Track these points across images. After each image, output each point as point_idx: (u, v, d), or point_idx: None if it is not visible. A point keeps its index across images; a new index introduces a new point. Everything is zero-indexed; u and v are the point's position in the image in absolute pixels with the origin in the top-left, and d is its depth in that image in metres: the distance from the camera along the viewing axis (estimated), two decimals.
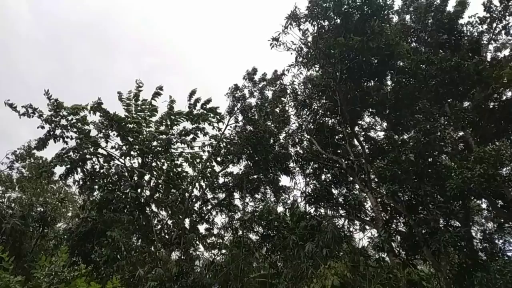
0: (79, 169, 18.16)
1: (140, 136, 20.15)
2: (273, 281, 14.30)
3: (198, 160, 21.52)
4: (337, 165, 18.23)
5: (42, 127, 17.68)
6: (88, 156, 18.74)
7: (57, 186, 21.09)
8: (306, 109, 21.00)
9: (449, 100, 16.86)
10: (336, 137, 20.19)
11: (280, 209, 18.75)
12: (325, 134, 19.52)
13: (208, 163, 20.87)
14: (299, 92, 21.48)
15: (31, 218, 14.13)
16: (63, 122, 18.72)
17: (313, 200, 16.75)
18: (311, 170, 19.15)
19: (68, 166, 17.87)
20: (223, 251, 17.46)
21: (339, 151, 19.55)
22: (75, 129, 18.64)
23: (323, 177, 18.84)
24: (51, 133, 18.19)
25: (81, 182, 18.15)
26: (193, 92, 20.95)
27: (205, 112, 21.31)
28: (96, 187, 18.03)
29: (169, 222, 19.01)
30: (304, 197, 17.13)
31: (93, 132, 19.25)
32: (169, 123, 20.79)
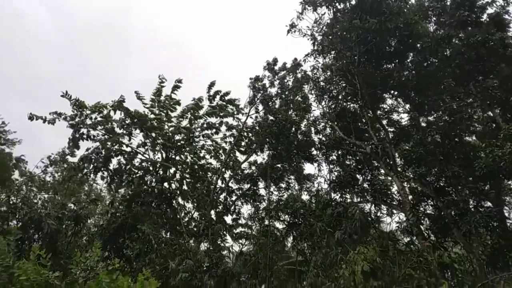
0: (104, 167, 18.71)
1: (162, 131, 20.47)
2: (302, 269, 14.39)
3: (221, 152, 21.74)
4: (361, 150, 18.02)
5: (72, 126, 18.15)
6: (112, 154, 19.19)
7: (87, 186, 21.77)
8: (326, 96, 20.78)
9: (475, 79, 16.32)
10: (359, 122, 19.93)
11: (305, 197, 18.75)
12: (347, 119, 19.29)
13: (231, 154, 21.03)
14: (318, 79, 21.26)
15: (65, 217, 14.65)
16: (88, 121, 19.27)
17: (338, 186, 16.66)
18: (335, 157, 19.01)
19: (94, 165, 18.39)
20: (251, 241, 17.65)
21: (362, 136, 19.32)
22: (100, 127, 19.10)
23: (347, 163, 18.67)
24: (78, 132, 18.70)
25: (108, 179, 18.67)
26: (212, 84, 21.02)
27: (224, 103, 21.42)
28: (124, 183, 18.51)
29: (196, 214, 19.33)
30: (329, 184, 17.06)
31: (116, 130, 19.76)
32: (191, 117, 21.02)
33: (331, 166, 18.46)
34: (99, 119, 19.19)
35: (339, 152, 18.94)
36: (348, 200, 16.44)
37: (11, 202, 14.67)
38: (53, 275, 7.78)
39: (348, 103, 20.77)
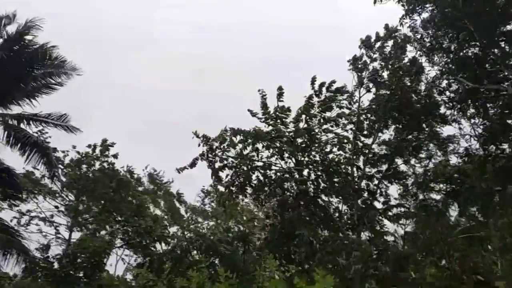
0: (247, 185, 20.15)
1: (283, 139, 21.26)
2: (479, 234, 13.47)
3: (345, 141, 21.64)
4: (503, 93, 16.22)
5: (209, 162, 20.12)
6: (250, 172, 20.58)
7: (240, 208, 23.82)
8: (437, 52, 19.28)
9: None
10: (485, 67, 17.99)
11: (454, 160, 17.54)
12: (471, 68, 17.58)
13: (356, 141, 20.83)
14: (422, 37, 19.85)
15: (233, 238, 16.26)
16: (218, 152, 21.08)
17: (489, 138, 15.23)
18: (473, 110, 17.44)
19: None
20: (411, 220, 17.16)
21: (496, 79, 17.36)
22: (231, 152, 20.67)
23: (490, 112, 16.96)
24: (213, 166, 20.56)
25: (253, 196, 20.08)
26: (314, 79, 21.20)
27: (332, 94, 21.37)
28: (267, 195, 19.69)
29: (344, 207, 19.54)
30: (477, 139, 15.71)
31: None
32: (306, 117, 21.43)
33: (472, 121, 16.97)
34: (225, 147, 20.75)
35: (477, 103, 17.32)
36: (509, 150, 14.89)
37: (186, 236, 16.82)
38: None
39: (465, 50, 18.92)
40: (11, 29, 19.71)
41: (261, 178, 20.85)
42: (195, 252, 16.01)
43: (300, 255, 16.04)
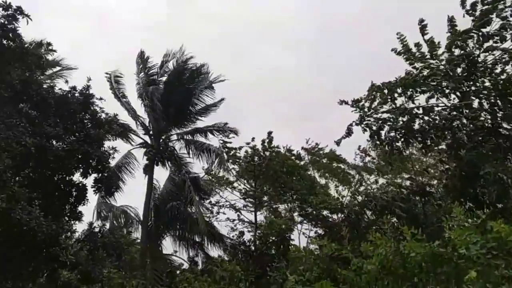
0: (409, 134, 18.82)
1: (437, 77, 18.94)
2: None
3: None
4: None
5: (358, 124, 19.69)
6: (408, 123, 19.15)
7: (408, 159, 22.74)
8: None
9: None
10: None
11: None
12: None
13: None
14: None
15: (411, 193, 15.56)
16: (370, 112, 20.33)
17: None
18: None
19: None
20: None
21: None
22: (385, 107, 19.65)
23: None
24: (364, 122, 19.95)
25: (419, 145, 18.65)
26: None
27: (489, 6, 17.85)
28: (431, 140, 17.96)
29: None
30: None
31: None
32: (461, 43, 18.58)
33: None
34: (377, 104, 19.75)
35: None
36: None
37: (359, 200, 16.90)
38: (434, 244, 8.14)
39: None
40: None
41: (424, 125, 19.23)
42: (370, 213, 15.99)
43: (490, 195, 14.16)
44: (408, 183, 16.31)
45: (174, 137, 26.99)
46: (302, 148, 29.73)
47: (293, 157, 28.02)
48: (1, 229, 10.03)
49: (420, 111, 19.21)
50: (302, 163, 28.62)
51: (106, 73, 26.07)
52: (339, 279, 9.15)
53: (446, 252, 7.10)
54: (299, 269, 11.03)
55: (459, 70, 18.71)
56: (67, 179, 15.95)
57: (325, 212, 20.98)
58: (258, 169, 27.01)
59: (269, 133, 27.78)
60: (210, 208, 29.20)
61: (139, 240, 25.69)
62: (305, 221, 26.47)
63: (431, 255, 7.31)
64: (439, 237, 10.00)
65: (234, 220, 28.57)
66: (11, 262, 10.43)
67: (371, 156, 25.73)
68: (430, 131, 18.57)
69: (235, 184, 29.97)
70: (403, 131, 18.99)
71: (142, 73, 26.98)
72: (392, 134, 19.14)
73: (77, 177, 16.59)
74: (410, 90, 18.79)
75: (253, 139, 27.77)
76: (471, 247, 6.50)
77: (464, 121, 18.21)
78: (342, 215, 15.48)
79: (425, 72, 18.81)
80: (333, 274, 9.68)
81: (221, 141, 26.57)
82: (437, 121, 18.91)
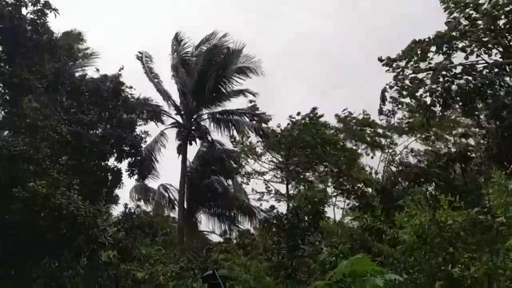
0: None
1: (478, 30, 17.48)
2: None
3: None
4: None
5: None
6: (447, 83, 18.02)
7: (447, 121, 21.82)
8: None
9: None
10: None
11: None
12: None
13: None
14: None
15: (446, 160, 14.82)
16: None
17: None
18: None
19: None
20: None
21: None
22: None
23: None
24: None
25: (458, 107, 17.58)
26: None
27: None
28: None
29: None
30: None
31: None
32: None
33: None
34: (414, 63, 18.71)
35: None
36: None
37: (393, 169, 16.27)
38: (473, 211, 7.71)
39: None
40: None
41: (464, 85, 18.01)
42: (406, 183, 15.42)
43: None
44: (446, 149, 15.50)
45: (205, 116, 27.21)
46: (336, 115, 29.81)
47: (329, 130, 28.14)
48: (43, 214, 10.55)
49: (458, 70, 18.04)
50: (332, 131, 28.61)
51: (139, 52, 26.33)
52: (373, 251, 8.96)
53: (485, 219, 6.75)
54: (332, 241, 10.95)
55: (501, 22, 17.23)
56: (102, 164, 16.50)
57: (358, 186, 20.76)
58: (289, 140, 27.25)
59: (314, 108, 28.27)
60: (243, 181, 29.96)
61: (176, 218, 26.56)
62: (339, 194, 26.46)
63: (470, 222, 7.00)
64: (479, 204, 9.51)
65: (263, 193, 29.53)
66: (54, 244, 11.03)
67: (396, 117, 25.73)
68: (470, 92, 17.39)
69: (265, 157, 31.02)
70: (441, 93, 17.94)
71: (175, 54, 27.09)
72: (431, 95, 18.13)
73: (112, 162, 17.16)
74: (447, 45, 17.54)
75: (298, 113, 28.41)
76: (511, 209, 6.19)
77: (507, 79, 16.96)
78: (377, 188, 15.10)
79: (464, 23, 17.47)
80: (367, 245, 9.49)
81: (255, 124, 26.59)
82: (477, 81, 17.69)
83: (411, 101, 18.55)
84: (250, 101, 27.23)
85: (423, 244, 7.10)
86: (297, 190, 27.75)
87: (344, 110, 29.80)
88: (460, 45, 17.30)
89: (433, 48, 17.55)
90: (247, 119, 26.73)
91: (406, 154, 26.37)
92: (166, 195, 26.81)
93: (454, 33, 17.34)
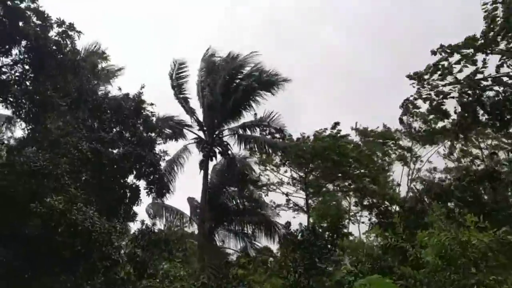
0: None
1: None
2: None
3: None
4: None
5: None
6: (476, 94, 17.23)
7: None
8: None
9: None
10: None
11: None
12: None
13: None
14: None
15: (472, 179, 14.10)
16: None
17: None
18: None
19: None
20: None
21: None
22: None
23: None
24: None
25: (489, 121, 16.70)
26: None
27: None
28: None
29: None
30: None
31: None
32: None
33: None
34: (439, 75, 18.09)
35: None
36: None
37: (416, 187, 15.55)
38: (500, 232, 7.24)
39: None
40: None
41: (495, 96, 17.09)
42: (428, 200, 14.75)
43: None
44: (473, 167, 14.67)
45: (226, 132, 27.22)
46: (352, 128, 29.68)
47: (350, 144, 27.80)
48: (60, 230, 10.61)
49: (488, 82, 17.19)
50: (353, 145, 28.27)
51: (173, 63, 26.67)
52: (395, 271, 8.49)
53: None
54: (352, 260, 10.48)
55: None
56: (121, 181, 16.60)
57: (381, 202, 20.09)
58: (311, 154, 27.05)
59: (336, 123, 28.40)
60: (262, 193, 29.89)
61: (196, 233, 26.45)
62: (360, 209, 26.00)
63: (497, 243, 6.55)
64: (509, 223, 8.85)
65: (281, 205, 29.45)
66: (69, 260, 11.03)
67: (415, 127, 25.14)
68: (501, 104, 16.44)
69: (283, 169, 31.17)
70: (472, 104, 17.09)
71: (203, 71, 27.48)
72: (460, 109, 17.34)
73: (131, 179, 17.27)
74: (476, 54, 16.75)
75: (325, 129, 28.66)
76: None
77: None
78: (401, 204, 14.40)
79: (497, 29, 16.62)
80: (388, 265, 9.00)
81: (276, 140, 26.48)
82: (508, 93, 16.78)
83: (436, 115, 17.80)
84: (272, 116, 27.12)
85: (447, 265, 6.67)
86: (316, 203, 27.53)
87: (356, 124, 30.48)
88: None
89: (457, 57, 16.94)
90: (268, 136, 26.61)
91: (430, 171, 25.63)
92: (185, 212, 26.81)
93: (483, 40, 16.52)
